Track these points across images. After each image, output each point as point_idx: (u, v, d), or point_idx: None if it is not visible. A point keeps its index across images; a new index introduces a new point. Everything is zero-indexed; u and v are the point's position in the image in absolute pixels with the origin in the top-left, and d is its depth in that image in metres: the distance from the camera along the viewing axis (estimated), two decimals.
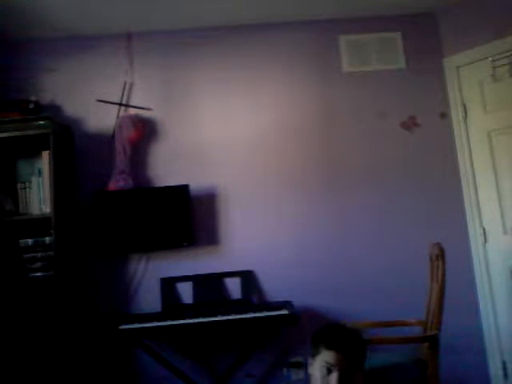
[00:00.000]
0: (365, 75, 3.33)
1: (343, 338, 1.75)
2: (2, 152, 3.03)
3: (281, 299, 3.04)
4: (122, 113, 3.20)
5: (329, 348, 1.72)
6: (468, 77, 3.24)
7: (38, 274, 2.79)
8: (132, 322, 2.73)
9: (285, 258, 3.13)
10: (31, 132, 2.85)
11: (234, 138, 3.25)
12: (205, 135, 3.25)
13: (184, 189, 3.07)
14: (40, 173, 2.91)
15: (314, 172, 3.22)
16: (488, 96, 3.16)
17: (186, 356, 3.07)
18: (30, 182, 2.93)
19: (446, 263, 2.41)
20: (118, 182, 3.05)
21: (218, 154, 3.23)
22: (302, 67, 3.31)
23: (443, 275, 2.38)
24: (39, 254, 2.81)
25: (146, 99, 3.24)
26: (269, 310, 2.75)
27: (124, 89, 3.24)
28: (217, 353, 3.08)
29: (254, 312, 2.75)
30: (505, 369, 3.03)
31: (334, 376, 1.67)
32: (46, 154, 2.87)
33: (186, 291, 3.08)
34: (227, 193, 3.19)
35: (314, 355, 1.76)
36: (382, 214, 3.20)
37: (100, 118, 3.20)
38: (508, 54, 3.05)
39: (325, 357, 1.71)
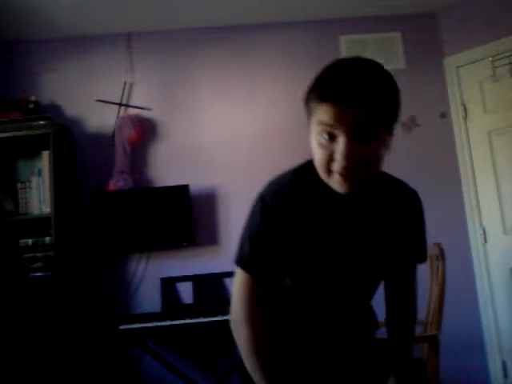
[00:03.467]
0: None
1: (350, 76, 1.03)
2: (2, 152, 3.03)
3: None
4: (122, 113, 3.20)
5: (324, 99, 1.02)
6: (468, 77, 3.24)
7: (38, 274, 2.79)
8: (132, 322, 2.73)
9: None
10: (31, 132, 2.85)
11: (234, 138, 3.25)
12: (205, 135, 3.25)
13: (184, 189, 3.07)
14: (40, 173, 2.91)
15: None
16: (488, 96, 3.16)
17: (186, 356, 3.07)
18: (30, 182, 2.93)
19: (446, 263, 2.40)
20: (117, 182, 3.05)
21: (218, 153, 3.23)
22: (301, 67, 3.31)
23: (443, 275, 2.38)
24: (39, 254, 2.81)
25: (145, 99, 3.24)
26: None
27: (124, 89, 3.23)
28: (217, 353, 3.08)
29: None
30: (505, 369, 3.03)
31: (342, 142, 1.01)
32: (45, 154, 2.87)
33: (186, 291, 3.08)
34: (227, 193, 3.19)
35: (308, 115, 1.10)
36: None
37: (100, 118, 3.20)
38: (508, 54, 3.05)
39: (319, 115, 1.03)
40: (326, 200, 1.13)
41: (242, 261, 1.15)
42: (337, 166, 1.02)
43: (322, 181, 1.10)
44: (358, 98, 0.99)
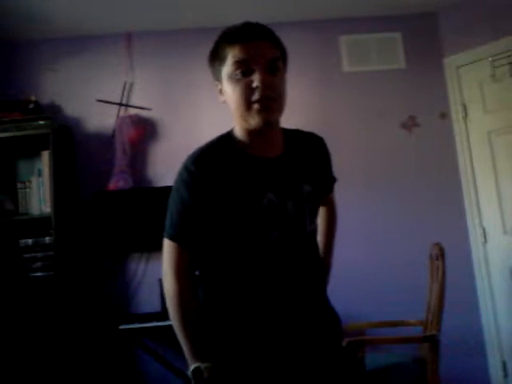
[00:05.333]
0: (365, 75, 3.33)
1: (250, 24, 1.25)
2: (2, 152, 3.02)
3: None
4: (122, 113, 3.20)
5: (238, 41, 1.21)
6: (468, 77, 3.24)
7: (38, 274, 2.79)
8: (132, 322, 2.73)
9: None
10: (31, 132, 2.85)
11: None
12: (205, 135, 3.17)
13: None
14: (40, 173, 2.91)
15: None
16: (488, 96, 3.16)
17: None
18: (30, 182, 2.93)
19: (446, 263, 2.41)
20: (117, 182, 3.05)
21: None
22: (301, 67, 3.31)
23: (443, 275, 2.38)
24: (39, 254, 2.81)
25: (146, 99, 3.23)
26: None
27: (124, 89, 3.23)
28: None
29: None
30: (505, 369, 3.03)
31: (259, 72, 1.19)
32: (45, 154, 2.87)
33: None
34: None
35: (218, 72, 1.26)
36: (381, 214, 3.20)
37: (100, 118, 3.20)
38: (508, 53, 3.05)
39: (235, 56, 1.20)
40: (243, 156, 1.26)
41: (170, 233, 1.25)
42: (257, 94, 1.18)
43: (237, 143, 1.27)
44: (262, 34, 1.23)
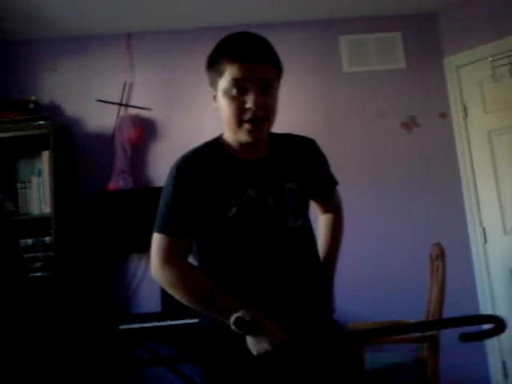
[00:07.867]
0: (365, 75, 3.33)
1: (253, 41, 1.27)
2: (2, 152, 3.02)
3: None
4: (121, 113, 3.20)
5: (238, 59, 1.22)
6: (468, 77, 3.24)
7: (38, 274, 2.79)
8: (132, 322, 2.73)
9: None
10: (31, 132, 2.85)
11: None
12: (205, 135, 3.20)
13: None
14: (40, 173, 2.91)
15: None
16: (488, 96, 3.16)
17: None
18: (30, 182, 2.93)
19: (446, 263, 2.41)
20: (117, 182, 3.05)
21: None
22: (301, 67, 3.31)
23: (443, 275, 2.38)
24: (39, 254, 2.81)
25: (146, 99, 3.24)
26: None
27: (124, 89, 3.24)
28: None
29: None
30: (505, 369, 3.03)
31: (253, 93, 1.22)
32: (45, 154, 2.87)
33: None
34: None
35: (214, 80, 1.28)
36: (381, 214, 3.20)
37: (100, 118, 3.20)
38: (508, 53, 3.05)
39: (233, 73, 1.22)
40: (227, 157, 1.33)
41: (159, 226, 1.28)
42: (249, 114, 1.23)
43: (224, 146, 1.34)
44: (263, 56, 1.24)
